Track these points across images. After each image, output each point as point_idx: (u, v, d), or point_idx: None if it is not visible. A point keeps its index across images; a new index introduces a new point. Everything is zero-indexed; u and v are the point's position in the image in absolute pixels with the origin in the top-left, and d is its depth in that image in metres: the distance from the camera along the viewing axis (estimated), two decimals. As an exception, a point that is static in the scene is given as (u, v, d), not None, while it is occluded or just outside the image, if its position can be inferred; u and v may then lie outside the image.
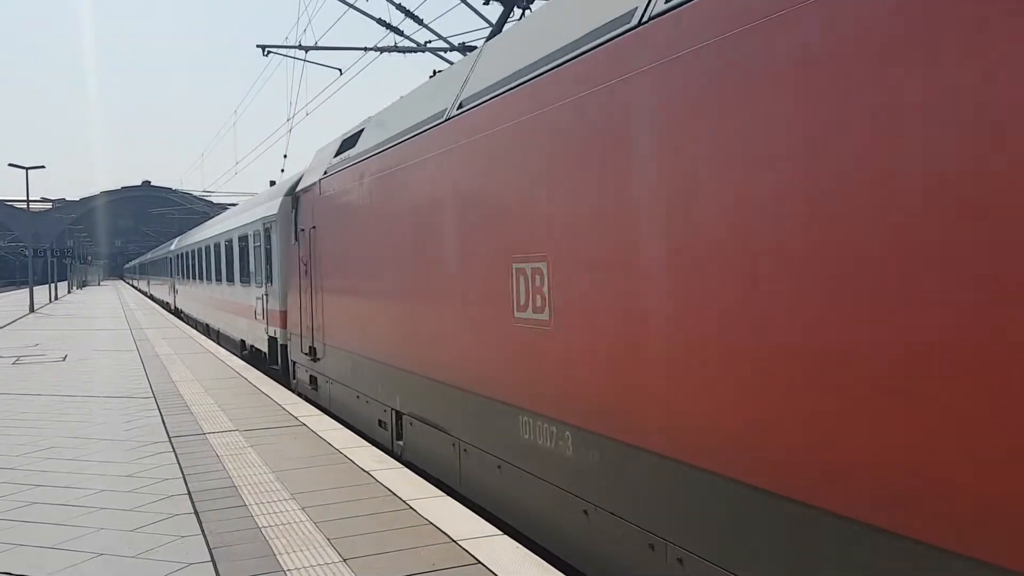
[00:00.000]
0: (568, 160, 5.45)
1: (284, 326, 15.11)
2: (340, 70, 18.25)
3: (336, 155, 11.63)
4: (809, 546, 3.61)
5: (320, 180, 12.03)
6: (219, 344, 22.99)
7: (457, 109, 7.38)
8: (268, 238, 16.19)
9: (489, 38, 10.59)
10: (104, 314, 38.67)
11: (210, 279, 27.13)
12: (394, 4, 13.84)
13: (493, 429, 6.67)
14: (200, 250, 30.30)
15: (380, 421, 9.74)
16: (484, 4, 11.44)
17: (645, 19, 4.70)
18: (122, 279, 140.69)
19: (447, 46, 14.51)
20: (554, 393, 5.69)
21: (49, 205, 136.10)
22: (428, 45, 14.70)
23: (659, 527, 4.64)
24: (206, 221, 40.20)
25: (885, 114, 3.23)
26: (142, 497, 7.21)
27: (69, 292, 77.88)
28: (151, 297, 62.13)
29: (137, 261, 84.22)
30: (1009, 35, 2.77)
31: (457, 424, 7.44)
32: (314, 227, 12.29)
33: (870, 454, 3.30)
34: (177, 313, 40.50)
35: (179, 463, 8.41)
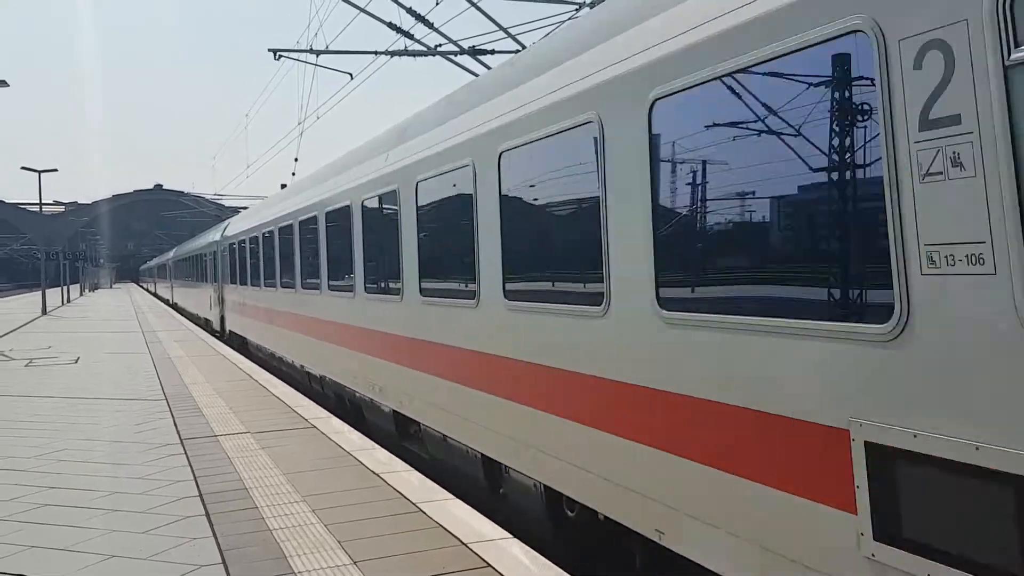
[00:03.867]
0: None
1: None
2: (351, 74, 18.33)
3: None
4: None
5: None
6: None
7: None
8: None
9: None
10: (116, 316, 38.87)
11: None
12: (404, 8, 13.88)
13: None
14: None
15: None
16: None
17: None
18: (136, 282, 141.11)
19: (457, 50, 14.54)
20: None
21: (61, 208, 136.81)
22: (438, 49, 14.73)
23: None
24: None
25: None
26: (154, 499, 7.24)
27: (81, 295, 78.34)
28: (223, 337, 26.54)
29: (171, 256, 55.66)
30: None
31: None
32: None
33: None
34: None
35: (191, 465, 8.44)
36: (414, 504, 6.77)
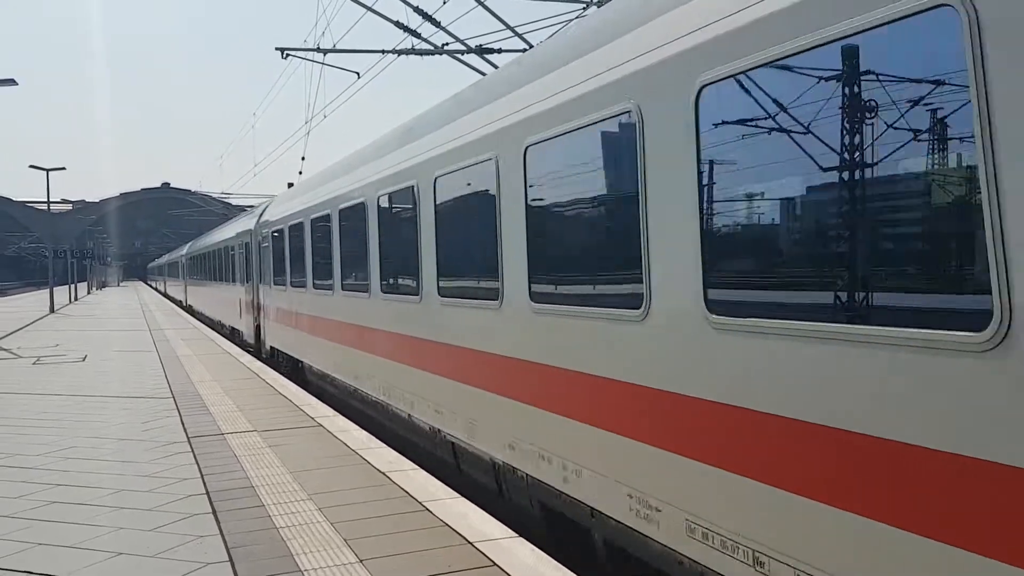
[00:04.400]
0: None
1: None
2: (358, 73, 18.34)
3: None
4: None
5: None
6: None
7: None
8: None
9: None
10: (123, 315, 38.99)
11: None
12: (411, 7, 13.88)
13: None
14: None
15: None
16: None
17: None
18: (143, 280, 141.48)
19: (464, 48, 14.54)
20: None
21: (69, 206, 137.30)
22: (445, 48, 14.73)
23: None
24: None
25: None
26: (161, 497, 7.26)
27: (89, 293, 78.58)
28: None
29: (184, 252, 49.58)
30: None
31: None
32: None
33: None
34: None
35: (198, 463, 8.46)
36: (420, 503, 6.78)
